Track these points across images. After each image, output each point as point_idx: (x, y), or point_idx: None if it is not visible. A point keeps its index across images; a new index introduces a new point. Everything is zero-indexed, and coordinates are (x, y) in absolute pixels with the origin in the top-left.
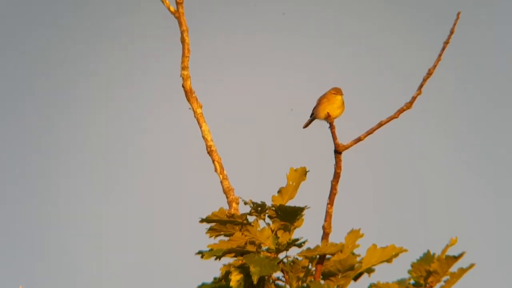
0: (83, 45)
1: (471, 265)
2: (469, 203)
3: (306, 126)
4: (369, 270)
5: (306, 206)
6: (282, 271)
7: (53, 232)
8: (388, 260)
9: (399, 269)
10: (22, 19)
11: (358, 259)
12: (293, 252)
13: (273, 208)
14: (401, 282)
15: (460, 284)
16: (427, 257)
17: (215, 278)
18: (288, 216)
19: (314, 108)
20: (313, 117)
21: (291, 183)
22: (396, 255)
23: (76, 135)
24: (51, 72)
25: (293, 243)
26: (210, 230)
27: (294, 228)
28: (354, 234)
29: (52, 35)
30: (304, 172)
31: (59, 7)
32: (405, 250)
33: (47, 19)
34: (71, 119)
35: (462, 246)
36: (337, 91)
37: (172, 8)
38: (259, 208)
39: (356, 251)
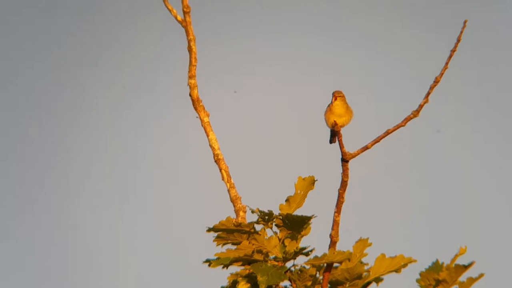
0: (90, 54)
1: (481, 275)
2: (478, 212)
3: (332, 141)
4: (378, 280)
5: (313, 215)
6: (289, 279)
7: (67, 235)
8: (397, 270)
9: (407, 278)
10: (32, 29)
11: (366, 268)
12: (301, 260)
13: (280, 217)
14: None
15: None
16: (436, 266)
17: (222, 287)
18: (296, 225)
19: None
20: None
21: (299, 192)
22: (405, 265)
23: (85, 142)
24: (61, 83)
25: (301, 251)
26: (218, 238)
27: (301, 237)
28: (362, 243)
29: (63, 46)
30: (312, 181)
31: (69, 17)
32: (414, 261)
33: (58, 30)
34: (81, 127)
35: (472, 256)
36: (335, 96)
37: (180, 17)
38: (267, 217)
39: (364, 260)
